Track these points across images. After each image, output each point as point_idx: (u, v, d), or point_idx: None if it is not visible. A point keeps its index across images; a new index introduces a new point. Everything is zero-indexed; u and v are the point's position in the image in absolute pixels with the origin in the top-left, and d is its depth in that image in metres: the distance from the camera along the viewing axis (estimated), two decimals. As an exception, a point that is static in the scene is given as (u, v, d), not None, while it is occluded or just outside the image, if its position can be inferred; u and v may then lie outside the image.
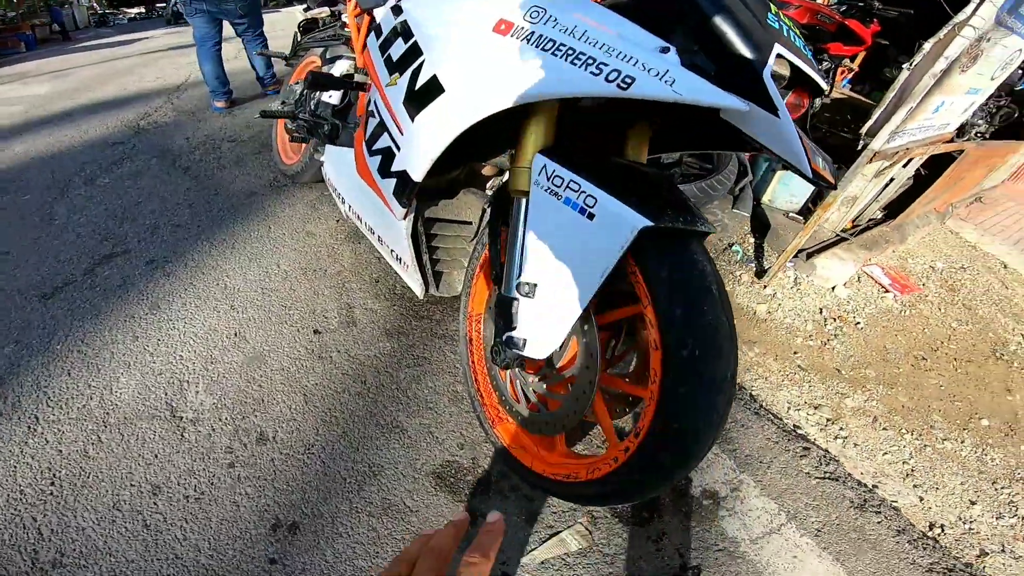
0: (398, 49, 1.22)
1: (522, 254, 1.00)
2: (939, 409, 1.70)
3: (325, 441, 1.32)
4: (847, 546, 1.22)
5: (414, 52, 1.15)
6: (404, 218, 1.32)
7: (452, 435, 1.38)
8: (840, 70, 3.65)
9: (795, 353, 1.86)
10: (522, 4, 0.92)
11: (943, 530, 1.31)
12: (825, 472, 1.39)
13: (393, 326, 1.70)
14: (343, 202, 1.68)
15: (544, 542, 1.16)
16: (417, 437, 1.36)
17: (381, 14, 1.67)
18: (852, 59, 3.71)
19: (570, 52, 0.82)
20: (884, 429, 1.58)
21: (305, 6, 3.56)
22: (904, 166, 2.52)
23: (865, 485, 1.38)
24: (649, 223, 0.81)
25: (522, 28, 0.90)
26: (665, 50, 0.79)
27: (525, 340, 1.02)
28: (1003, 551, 1.28)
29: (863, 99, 4.09)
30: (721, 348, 0.85)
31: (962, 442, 1.59)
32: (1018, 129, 3.47)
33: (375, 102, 1.32)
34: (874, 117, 2.02)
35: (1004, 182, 3.73)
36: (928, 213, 3.03)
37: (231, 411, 1.37)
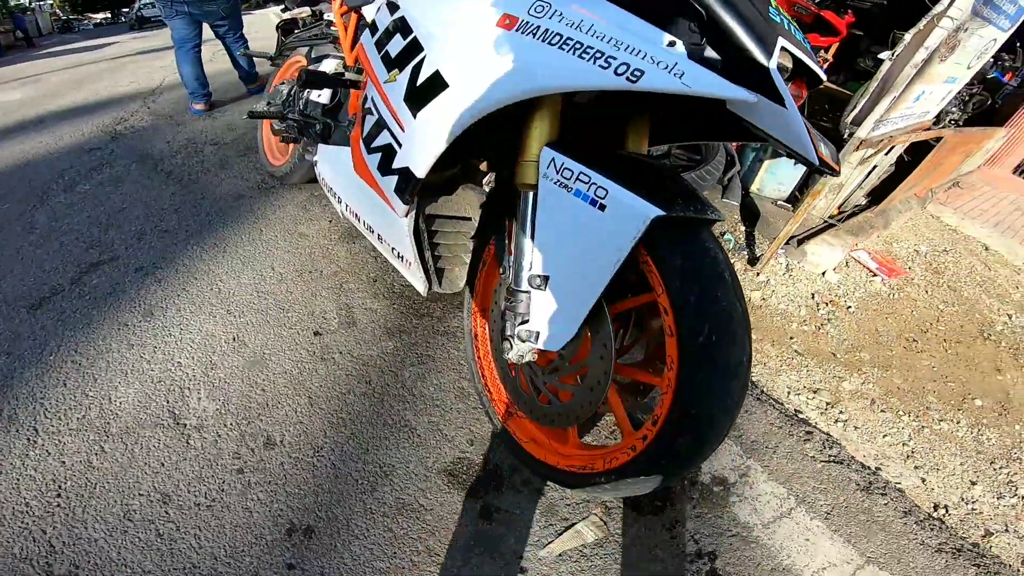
0: (396, 46, 1.21)
1: (531, 247, 1.00)
2: (933, 390, 1.75)
3: (334, 443, 1.30)
4: (857, 528, 1.25)
5: (414, 48, 1.14)
6: (406, 215, 1.30)
7: (461, 432, 1.37)
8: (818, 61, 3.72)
9: (791, 338, 1.89)
10: None
11: (947, 511, 1.35)
12: (829, 456, 1.42)
13: (394, 325, 1.69)
14: (339, 202, 1.65)
15: (560, 535, 1.17)
16: (426, 435, 1.35)
17: (371, 12, 1.65)
18: (827, 50, 3.79)
19: (578, 46, 0.82)
20: (882, 411, 1.62)
21: (283, 7, 3.51)
22: (886, 154, 2.58)
23: (868, 468, 1.41)
24: (661, 212, 0.81)
25: (527, 23, 0.90)
26: (672, 44, 0.79)
27: (538, 333, 1.02)
28: (1007, 531, 1.32)
29: (840, 89, 4.17)
30: (736, 334, 0.86)
31: (958, 423, 1.64)
32: (990, 116, 3.58)
33: (372, 99, 1.30)
34: (858, 106, 2.05)
35: (979, 167, 3.84)
36: (909, 198, 3.11)
37: (236, 416, 1.34)
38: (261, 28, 6.93)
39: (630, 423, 1.11)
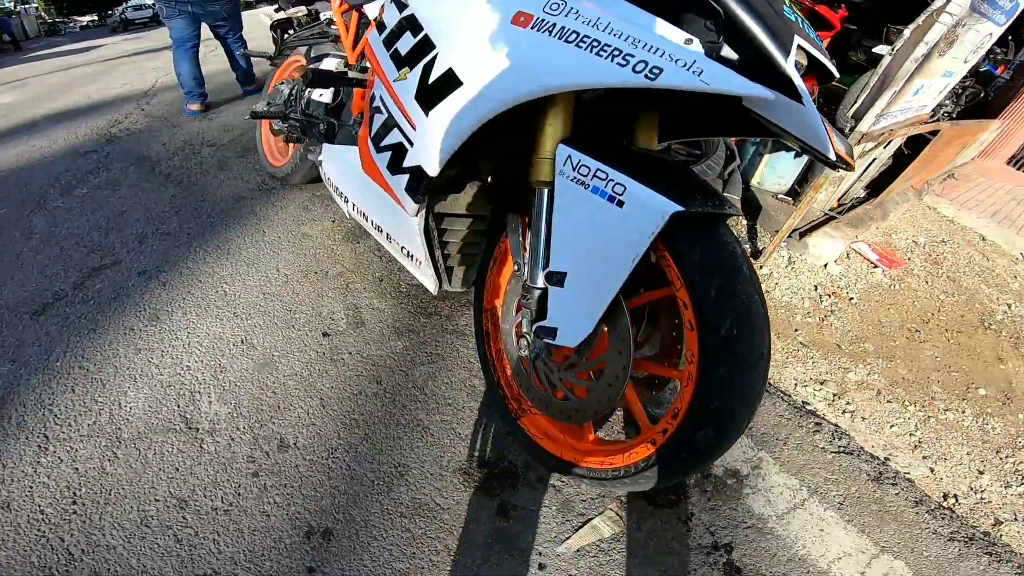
0: (406, 44, 1.20)
1: (548, 244, 1.00)
2: (937, 380, 1.76)
3: (348, 444, 1.30)
4: (870, 518, 1.26)
5: (425, 46, 1.14)
6: (416, 214, 1.30)
7: (474, 430, 1.37)
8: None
9: (796, 330, 1.90)
10: None
11: (957, 500, 1.36)
12: (839, 447, 1.43)
13: (403, 324, 1.68)
14: (346, 201, 1.65)
15: (577, 530, 1.17)
16: (439, 434, 1.35)
17: (374, 10, 1.65)
18: (816, 37, 3.81)
19: (595, 44, 0.82)
20: (888, 402, 1.63)
21: (276, 6, 3.49)
22: (885, 147, 2.60)
23: (878, 458, 1.42)
24: (680, 208, 0.81)
25: (543, 20, 0.89)
26: (689, 41, 0.80)
27: (556, 329, 1.02)
28: (1016, 519, 1.33)
29: (835, 83, 4.21)
30: (756, 327, 0.87)
31: (963, 412, 1.65)
32: (982, 108, 3.62)
33: (381, 98, 1.30)
34: (859, 101, 2.07)
35: (974, 159, 3.88)
36: (906, 190, 3.13)
37: (248, 419, 1.34)
38: (253, 28, 6.87)
39: (648, 418, 1.12)
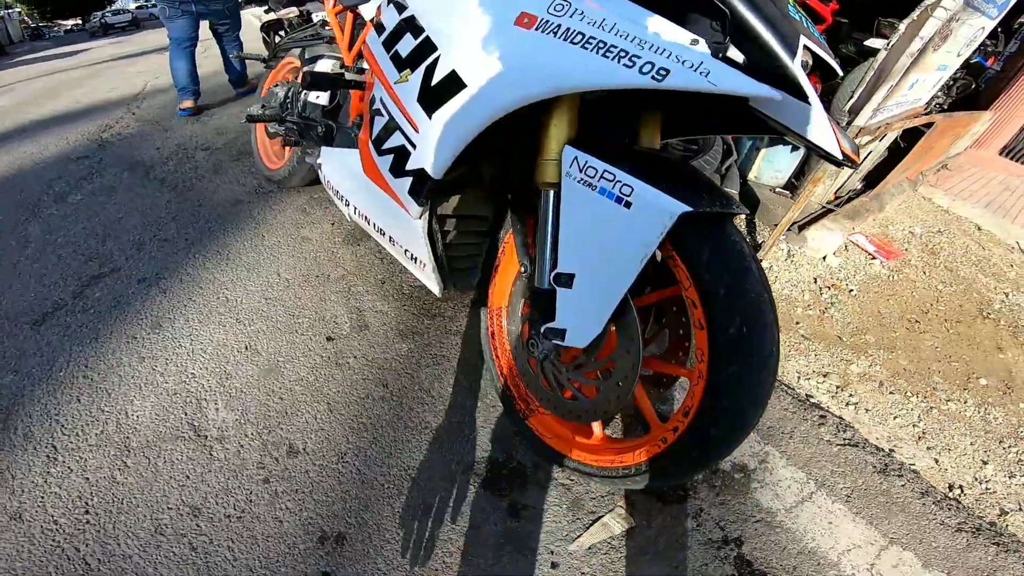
0: (407, 45, 1.20)
1: (555, 245, 1.01)
2: (938, 370, 1.78)
3: (357, 448, 1.30)
4: (877, 510, 1.27)
5: (426, 48, 1.14)
6: (420, 217, 1.30)
7: (482, 431, 1.37)
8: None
9: (797, 323, 1.91)
10: None
11: (962, 491, 1.38)
12: (844, 439, 1.44)
13: (407, 326, 1.68)
14: (347, 204, 1.64)
15: (588, 528, 1.18)
16: (447, 436, 1.35)
17: (369, 11, 1.64)
18: (819, 35, 3.84)
19: (601, 45, 0.82)
20: (891, 393, 1.65)
21: (266, 8, 3.46)
22: (881, 140, 2.61)
23: (883, 450, 1.43)
24: (688, 208, 0.82)
25: (547, 22, 0.89)
26: (695, 42, 0.80)
27: (565, 330, 1.02)
28: (1021, 509, 1.35)
29: (828, 75, 4.22)
30: (765, 325, 0.87)
31: (965, 402, 1.67)
32: (973, 99, 3.65)
33: (382, 100, 1.29)
34: (855, 96, 2.08)
35: (966, 150, 3.90)
36: (902, 182, 3.15)
37: (256, 426, 1.34)
38: (243, 30, 6.78)
39: (657, 416, 1.12)
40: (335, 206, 2.33)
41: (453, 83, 1.05)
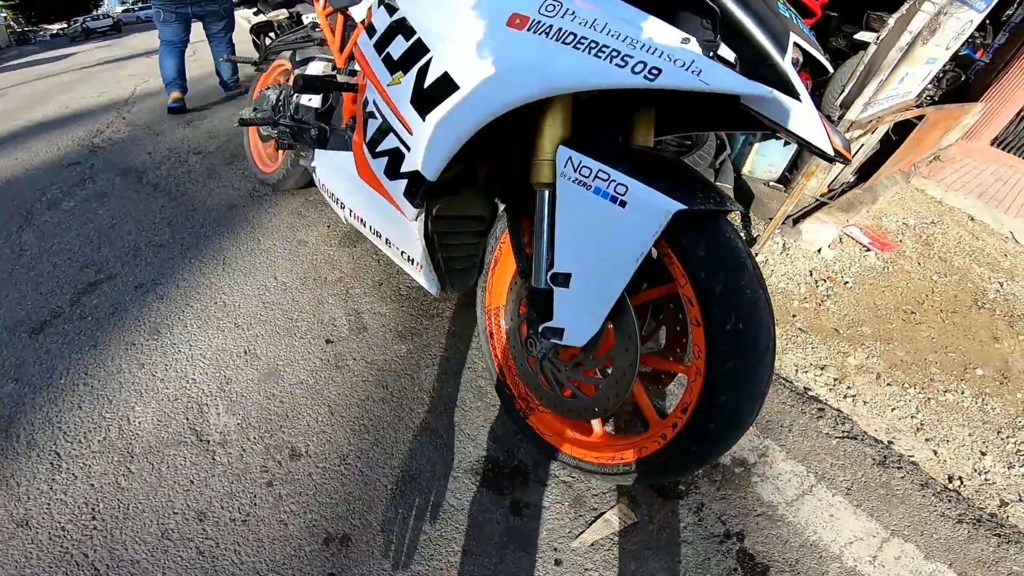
0: (398, 48, 1.20)
1: (551, 245, 1.01)
2: (935, 361, 1.80)
3: (359, 450, 1.31)
4: (878, 502, 1.28)
5: (418, 50, 1.14)
6: (416, 218, 1.31)
7: (482, 430, 1.38)
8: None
9: (793, 316, 1.93)
10: None
11: (962, 482, 1.39)
12: (843, 432, 1.45)
13: (405, 328, 1.69)
14: (342, 207, 1.65)
15: (590, 524, 1.19)
16: (449, 436, 1.36)
17: (360, 13, 1.64)
18: (809, 32, 3.86)
19: (593, 45, 0.83)
20: (888, 385, 1.66)
21: (255, 10, 3.45)
22: (872, 133, 2.63)
23: (881, 442, 1.45)
24: (683, 207, 0.82)
25: (539, 22, 0.90)
26: (686, 41, 0.80)
27: (563, 329, 1.03)
28: (1021, 500, 1.36)
29: (819, 68, 4.25)
30: (762, 321, 0.88)
31: (962, 393, 1.69)
32: (963, 91, 3.68)
33: (375, 102, 1.29)
34: (846, 90, 2.10)
35: (957, 141, 3.93)
36: (894, 174, 3.17)
37: (258, 430, 1.34)
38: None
39: (656, 413, 1.13)
40: (330, 208, 2.33)
41: (446, 85, 1.05)
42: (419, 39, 1.14)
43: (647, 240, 0.86)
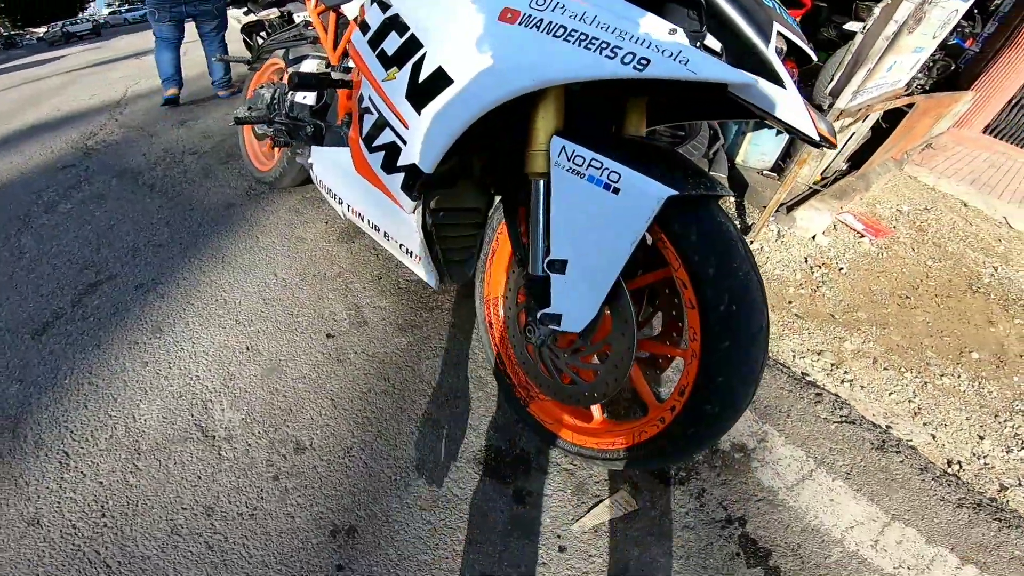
0: (392, 44, 1.21)
1: (547, 233, 1.03)
2: (931, 346, 1.82)
3: (362, 442, 1.32)
4: (877, 486, 1.29)
5: (412, 46, 1.15)
6: (413, 211, 1.32)
7: (484, 420, 1.40)
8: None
9: (789, 302, 1.95)
10: None
11: (961, 466, 1.40)
12: (841, 416, 1.47)
13: (405, 320, 1.70)
14: (340, 202, 1.66)
15: (591, 509, 1.20)
16: (451, 426, 1.38)
17: (352, 10, 1.65)
18: (793, 21, 3.89)
19: (583, 37, 0.84)
20: (885, 369, 1.68)
21: (245, 9, 3.45)
22: (863, 121, 2.65)
23: (880, 426, 1.46)
24: (674, 192, 0.84)
25: (530, 16, 0.91)
26: (673, 31, 0.82)
27: (561, 315, 1.05)
28: (1020, 484, 1.37)
29: (811, 58, 4.27)
30: (755, 302, 0.90)
31: (959, 377, 1.70)
32: (954, 80, 3.70)
33: (370, 98, 1.30)
34: (835, 79, 2.11)
35: (949, 129, 3.95)
36: (887, 161, 3.19)
37: (262, 424, 1.36)
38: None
39: (654, 397, 1.15)
40: (328, 205, 2.34)
41: (440, 80, 1.06)
42: (412, 35, 1.16)
43: (640, 225, 0.87)
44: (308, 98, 1.86)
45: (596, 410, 1.25)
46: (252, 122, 1.99)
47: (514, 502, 1.22)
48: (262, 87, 2.17)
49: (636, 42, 0.79)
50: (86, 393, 1.45)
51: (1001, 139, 4.03)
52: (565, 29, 0.86)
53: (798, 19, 3.41)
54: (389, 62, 1.22)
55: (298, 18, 2.40)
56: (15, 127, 4.11)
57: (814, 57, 1.03)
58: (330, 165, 1.67)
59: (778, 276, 2.08)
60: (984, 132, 4.06)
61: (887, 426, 1.47)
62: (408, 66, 1.15)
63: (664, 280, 1.12)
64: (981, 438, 1.50)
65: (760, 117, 0.91)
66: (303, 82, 1.48)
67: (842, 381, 1.61)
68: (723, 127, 2.78)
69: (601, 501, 1.22)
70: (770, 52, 0.82)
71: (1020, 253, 2.53)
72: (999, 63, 3.51)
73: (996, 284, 2.22)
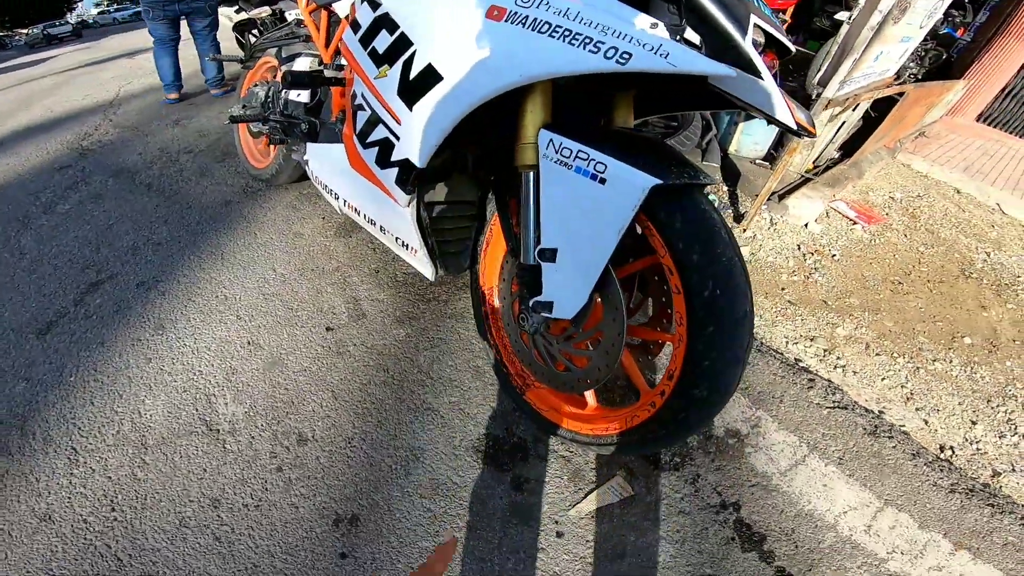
0: (383, 42, 1.23)
1: (537, 223, 1.05)
2: (923, 331, 1.84)
3: (363, 433, 1.35)
4: (870, 472, 1.31)
5: (402, 43, 1.17)
6: (408, 205, 1.34)
7: (482, 409, 1.43)
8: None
9: (783, 289, 1.97)
10: None
11: (954, 452, 1.42)
12: (833, 401, 1.49)
13: (403, 312, 1.73)
14: (336, 198, 1.68)
15: (587, 495, 1.23)
16: (449, 416, 1.41)
17: (343, 9, 1.66)
18: (785, 11, 3.91)
19: (567, 33, 0.87)
20: (877, 355, 1.70)
21: (236, 8, 3.46)
22: (853, 110, 2.67)
23: (872, 411, 1.48)
24: (659, 181, 0.87)
25: (516, 13, 0.94)
26: (654, 26, 0.85)
27: (552, 303, 1.07)
28: (1013, 470, 1.39)
29: (802, 49, 4.28)
30: (738, 286, 0.93)
31: (951, 362, 1.72)
32: (946, 69, 3.72)
33: (363, 95, 1.32)
34: (823, 68, 2.14)
35: (942, 118, 3.97)
36: (879, 150, 3.21)
37: (265, 417, 1.39)
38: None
39: (645, 382, 1.18)
40: (324, 200, 2.36)
41: (430, 76, 1.09)
42: (403, 33, 1.18)
43: (627, 214, 0.90)
44: (302, 96, 1.87)
45: (590, 396, 1.28)
46: (247, 120, 2.01)
47: (512, 489, 1.25)
48: (256, 85, 2.19)
49: (618, 37, 0.82)
50: (92, 390, 1.48)
51: (994, 127, 4.05)
52: (550, 25, 0.88)
53: (790, 8, 3.42)
54: (380, 60, 1.24)
55: (290, 16, 2.41)
56: (9, 128, 4.10)
57: (792, 48, 1.06)
58: (325, 161, 1.69)
59: (771, 263, 2.11)
60: (977, 120, 4.08)
61: (880, 411, 1.50)
62: (399, 63, 1.17)
63: (653, 267, 1.15)
64: (974, 423, 1.52)
65: (741, 107, 0.93)
66: (296, 80, 1.50)
67: (835, 367, 1.63)
68: (716, 117, 2.80)
69: (598, 487, 1.25)
70: (747, 44, 0.84)
71: (1013, 239, 2.55)
72: (991, 52, 3.52)
73: (989, 269, 2.24)
